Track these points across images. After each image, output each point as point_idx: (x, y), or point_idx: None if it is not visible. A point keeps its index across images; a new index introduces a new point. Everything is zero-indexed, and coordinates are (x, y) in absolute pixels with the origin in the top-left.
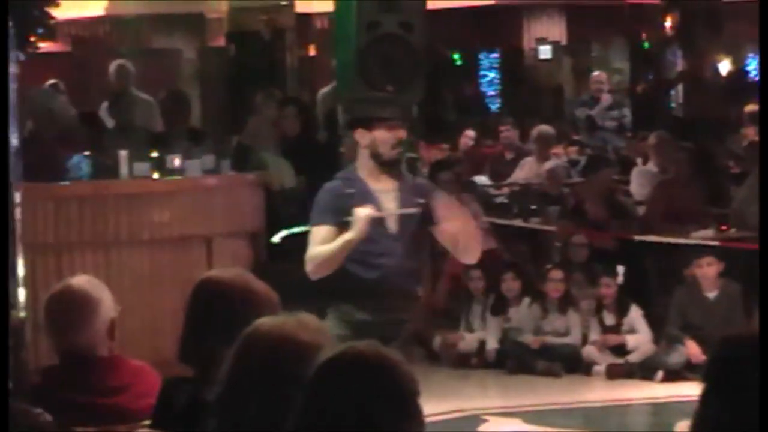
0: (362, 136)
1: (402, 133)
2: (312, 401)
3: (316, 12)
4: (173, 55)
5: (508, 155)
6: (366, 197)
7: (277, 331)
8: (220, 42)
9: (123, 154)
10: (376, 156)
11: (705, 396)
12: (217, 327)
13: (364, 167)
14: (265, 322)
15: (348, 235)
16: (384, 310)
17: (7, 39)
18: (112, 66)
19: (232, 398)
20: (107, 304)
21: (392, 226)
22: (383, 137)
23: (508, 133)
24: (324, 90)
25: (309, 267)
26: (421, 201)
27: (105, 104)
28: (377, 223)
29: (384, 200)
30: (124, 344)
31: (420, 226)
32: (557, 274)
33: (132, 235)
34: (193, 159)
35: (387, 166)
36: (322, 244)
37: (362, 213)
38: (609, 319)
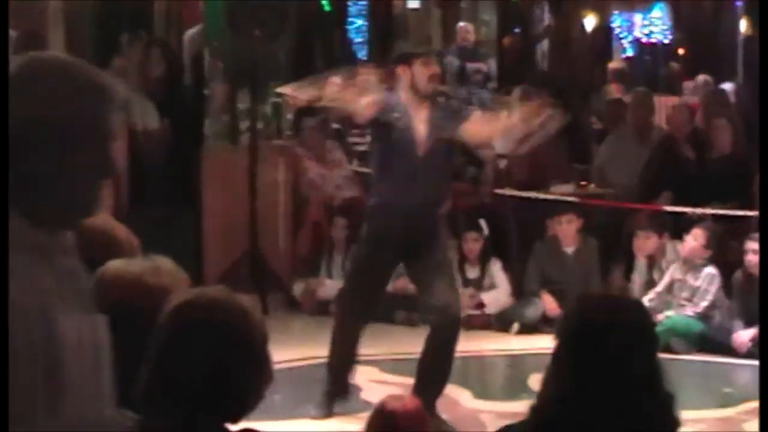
0: (403, 71)
1: (436, 69)
2: (161, 347)
3: None
4: None
5: None
6: (403, 118)
7: (124, 274)
8: None
9: None
10: (414, 89)
11: (557, 352)
12: None
13: (403, 98)
14: (113, 264)
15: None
16: (409, 227)
17: (7, 39)
18: None
19: None
20: None
21: (420, 150)
22: (420, 72)
23: None
24: (190, 31)
25: None
26: (453, 124)
27: None
28: (406, 141)
29: (416, 126)
30: None
31: (449, 149)
32: None
33: None
34: None
35: (423, 98)
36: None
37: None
38: (472, 273)
